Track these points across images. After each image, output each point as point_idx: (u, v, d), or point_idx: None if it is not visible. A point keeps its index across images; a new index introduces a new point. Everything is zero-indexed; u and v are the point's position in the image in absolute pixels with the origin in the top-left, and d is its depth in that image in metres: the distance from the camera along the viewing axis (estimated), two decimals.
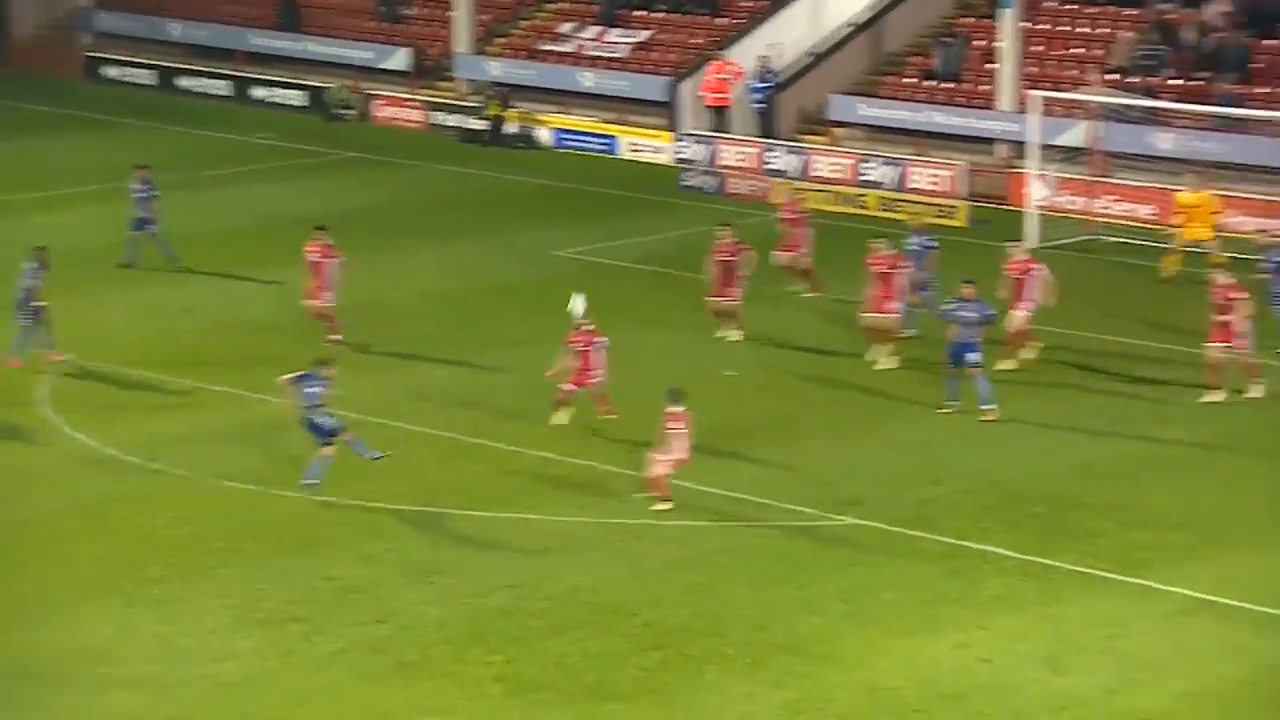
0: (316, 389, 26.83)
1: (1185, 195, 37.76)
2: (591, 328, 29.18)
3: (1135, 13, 46.48)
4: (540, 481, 27.71)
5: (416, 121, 53.00)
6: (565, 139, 50.68)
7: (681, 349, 33.51)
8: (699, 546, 25.46)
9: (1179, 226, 37.60)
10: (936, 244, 34.51)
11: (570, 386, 29.31)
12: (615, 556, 25.14)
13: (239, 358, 32.87)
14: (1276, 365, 32.13)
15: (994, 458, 28.56)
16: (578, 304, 29.68)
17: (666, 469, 26.49)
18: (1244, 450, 28.58)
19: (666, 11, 52.56)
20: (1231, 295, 30.38)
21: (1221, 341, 30.39)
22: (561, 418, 29.29)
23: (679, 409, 26.45)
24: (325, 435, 26.76)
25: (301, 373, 26.95)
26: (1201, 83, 44.17)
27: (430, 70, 54.96)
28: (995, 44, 45.86)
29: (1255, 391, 30.42)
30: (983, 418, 29.76)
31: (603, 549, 25.37)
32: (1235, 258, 35.37)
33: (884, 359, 32.20)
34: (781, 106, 48.89)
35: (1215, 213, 37.61)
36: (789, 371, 32.29)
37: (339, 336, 33.34)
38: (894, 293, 32.28)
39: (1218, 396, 30.31)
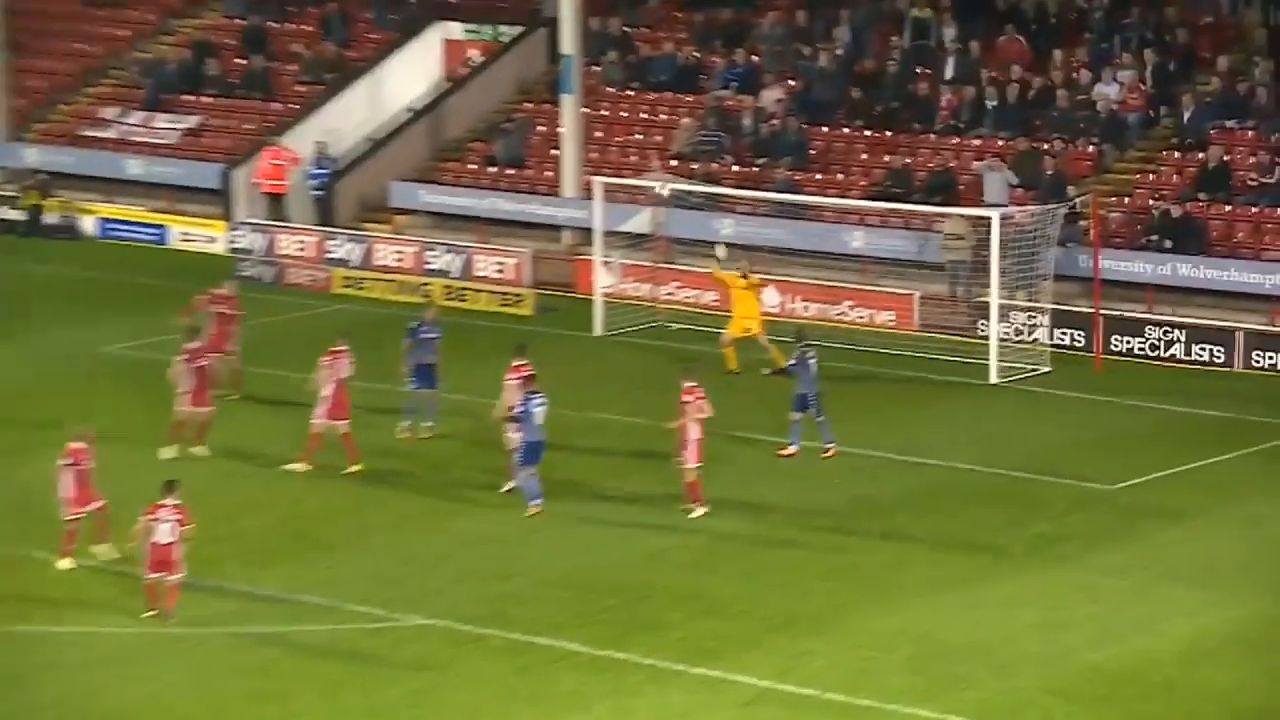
0: None
1: (717, 273, 38.89)
2: (83, 445, 28.10)
3: (693, 99, 48.09)
4: (87, 592, 27.28)
5: None
6: (112, 229, 50.03)
7: (243, 443, 33.43)
8: (260, 653, 25.42)
9: (730, 317, 38.61)
10: (438, 333, 34.33)
11: (73, 513, 27.98)
12: (172, 667, 24.95)
13: None
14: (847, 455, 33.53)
15: (563, 551, 29.16)
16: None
17: (151, 572, 26.11)
18: (800, 544, 29.48)
19: (216, 96, 52.39)
20: (685, 399, 30.43)
21: (683, 453, 30.25)
22: (67, 563, 27.95)
23: (170, 502, 26.18)
24: None
25: None
26: (759, 169, 45.92)
27: None
28: (557, 130, 46.92)
29: (696, 513, 30.38)
30: (527, 513, 30.27)
31: (158, 660, 25.15)
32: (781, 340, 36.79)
33: (166, 451, 32.31)
34: (341, 194, 49.13)
35: (756, 287, 38.65)
36: (346, 469, 32.38)
37: None
38: (206, 386, 32.59)
39: (699, 510, 30.28)
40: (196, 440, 33.00)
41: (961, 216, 41.58)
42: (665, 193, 41.49)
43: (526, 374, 31.40)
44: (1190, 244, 41.25)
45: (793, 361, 33.43)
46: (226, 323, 36.03)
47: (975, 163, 44.13)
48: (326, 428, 32.21)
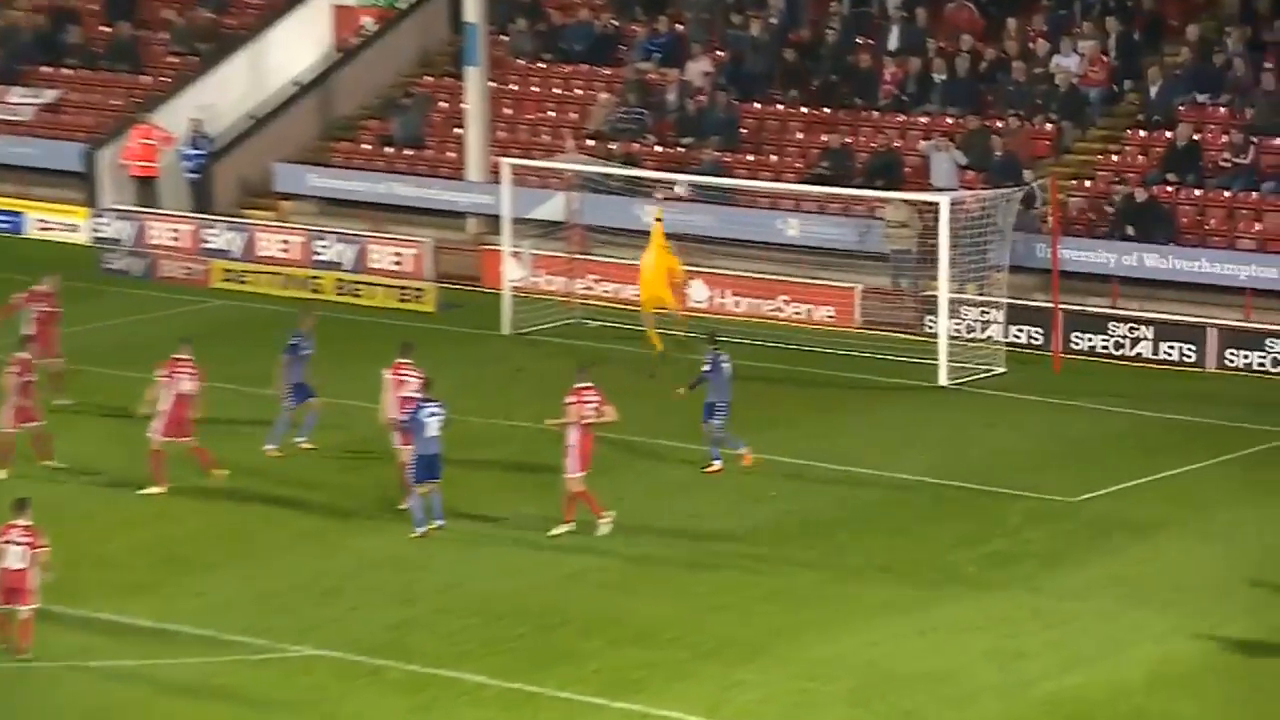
0: None
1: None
2: None
3: (611, 72, 48.15)
4: None
5: None
6: None
7: (105, 457, 33.26)
8: (129, 691, 25.32)
9: (642, 300, 38.75)
10: (310, 349, 34.13)
11: None
12: (29, 707, 24.81)
13: None
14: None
15: (468, 573, 29.17)
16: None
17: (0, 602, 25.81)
18: (730, 565, 29.51)
19: (78, 67, 52.16)
20: (569, 400, 30.46)
21: (564, 461, 30.39)
22: None
23: (20, 522, 25.91)
24: None
25: None
26: (684, 149, 45.99)
27: None
28: (461, 106, 46.90)
29: (603, 529, 30.37)
30: (411, 534, 30.21)
31: (11, 699, 24.98)
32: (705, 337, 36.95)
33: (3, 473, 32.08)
34: (219, 177, 49.00)
35: (674, 274, 38.84)
36: (221, 485, 32.25)
37: None
38: (32, 401, 32.35)
39: (565, 528, 30.39)
40: (41, 456, 32.78)
41: (906, 202, 41.79)
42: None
43: (418, 377, 31.28)
44: (1157, 232, 41.57)
45: (706, 368, 33.36)
46: (48, 322, 35.97)
47: (921, 142, 44.38)
48: (164, 445, 32.02)
